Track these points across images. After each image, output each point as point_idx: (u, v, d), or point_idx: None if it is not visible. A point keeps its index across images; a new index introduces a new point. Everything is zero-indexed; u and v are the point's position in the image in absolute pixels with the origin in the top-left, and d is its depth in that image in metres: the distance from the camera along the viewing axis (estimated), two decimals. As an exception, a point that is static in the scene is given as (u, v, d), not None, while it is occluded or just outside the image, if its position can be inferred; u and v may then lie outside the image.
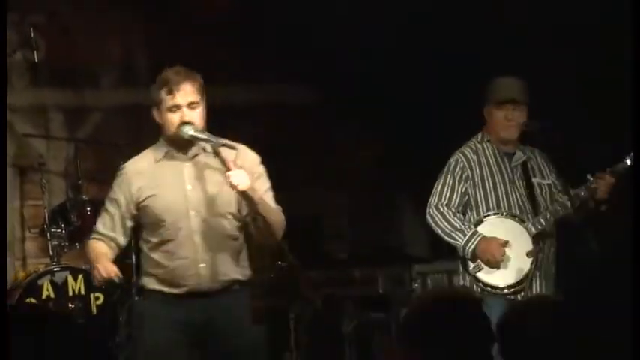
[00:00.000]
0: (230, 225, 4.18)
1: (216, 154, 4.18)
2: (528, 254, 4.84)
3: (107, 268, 4.07)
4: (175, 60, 6.93)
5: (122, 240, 4.27)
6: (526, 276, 4.81)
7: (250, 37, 7.08)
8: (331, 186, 7.26)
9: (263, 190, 4.20)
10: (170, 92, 4.11)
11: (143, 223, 4.24)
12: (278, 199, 4.30)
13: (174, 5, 7.02)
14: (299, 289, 5.57)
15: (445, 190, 4.94)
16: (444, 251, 5.51)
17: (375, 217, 7.37)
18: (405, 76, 6.74)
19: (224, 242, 4.17)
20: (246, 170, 4.09)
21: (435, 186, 4.98)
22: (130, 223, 4.25)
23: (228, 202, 4.16)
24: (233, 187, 4.03)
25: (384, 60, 6.84)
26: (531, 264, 4.83)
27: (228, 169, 4.07)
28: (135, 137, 6.26)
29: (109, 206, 4.27)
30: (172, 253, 4.14)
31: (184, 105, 4.11)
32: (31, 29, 5.30)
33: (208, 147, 4.18)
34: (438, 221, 4.90)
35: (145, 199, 4.17)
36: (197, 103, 4.14)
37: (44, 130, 6.77)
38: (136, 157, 4.33)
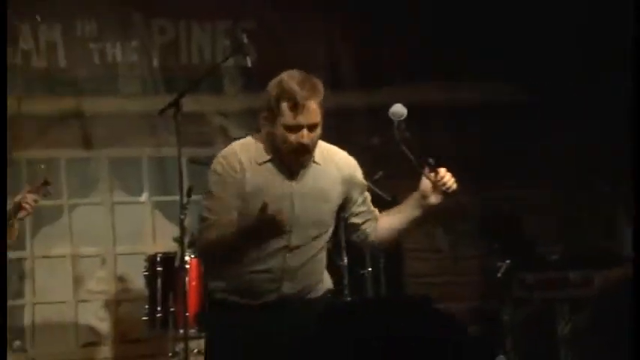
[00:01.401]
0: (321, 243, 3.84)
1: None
2: None
3: None
4: (378, 60, 7.12)
5: None
6: None
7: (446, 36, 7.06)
8: (545, 186, 7.11)
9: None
10: (294, 108, 3.61)
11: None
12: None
13: (376, 7, 7.05)
14: (511, 291, 5.47)
15: None
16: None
17: (590, 216, 7.17)
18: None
19: (317, 259, 3.82)
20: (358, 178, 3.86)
21: None
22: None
23: (329, 219, 3.83)
24: (447, 189, 3.74)
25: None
26: None
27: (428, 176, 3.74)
28: (340, 138, 6.33)
29: (220, 190, 3.74)
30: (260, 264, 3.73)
31: (306, 126, 3.62)
32: (244, 35, 5.41)
33: (317, 157, 3.76)
34: None
35: (247, 199, 3.70)
36: (318, 125, 3.64)
37: (255, 134, 6.90)
38: (239, 144, 3.82)
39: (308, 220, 3.73)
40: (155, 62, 7.02)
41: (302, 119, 3.60)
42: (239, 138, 6.70)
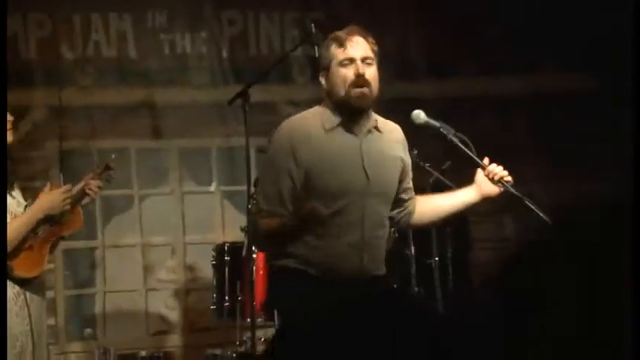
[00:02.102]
0: (386, 213, 3.82)
1: (453, 145, 3.79)
2: None
3: None
4: (449, 51, 7.08)
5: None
6: None
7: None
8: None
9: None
10: (342, 45, 3.64)
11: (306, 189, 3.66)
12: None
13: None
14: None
15: None
16: None
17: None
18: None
19: (382, 232, 3.79)
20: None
21: None
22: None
23: (394, 187, 3.80)
24: (500, 180, 3.78)
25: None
26: None
27: (483, 166, 3.80)
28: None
29: (273, 177, 3.67)
30: (336, 237, 3.63)
31: (359, 58, 3.62)
32: (312, 25, 5.41)
33: (379, 125, 3.76)
34: None
35: (314, 172, 3.62)
36: (372, 59, 3.65)
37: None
38: (299, 117, 3.78)
39: (378, 188, 3.71)
40: (224, 53, 7.06)
41: (352, 52, 3.62)
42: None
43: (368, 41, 3.68)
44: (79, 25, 6.85)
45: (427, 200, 4.01)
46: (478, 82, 7.24)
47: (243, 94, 5.30)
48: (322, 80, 3.72)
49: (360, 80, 3.63)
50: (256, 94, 5.45)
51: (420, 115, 3.88)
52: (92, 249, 6.82)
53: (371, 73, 3.66)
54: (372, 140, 3.73)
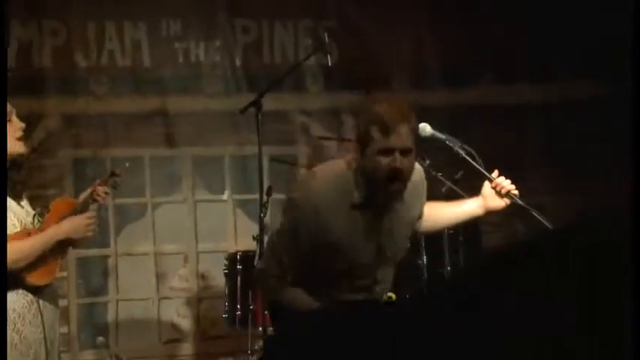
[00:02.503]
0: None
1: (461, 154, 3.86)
2: None
3: None
4: (462, 58, 7.06)
5: None
6: None
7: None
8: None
9: None
10: (385, 132, 3.47)
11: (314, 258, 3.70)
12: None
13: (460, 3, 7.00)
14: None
15: None
16: None
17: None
18: None
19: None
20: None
21: None
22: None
23: (407, 243, 3.85)
24: (507, 193, 3.84)
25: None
26: None
27: (490, 179, 3.85)
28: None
29: (293, 238, 3.66)
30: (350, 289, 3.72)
31: (398, 149, 3.49)
32: (325, 34, 5.41)
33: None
34: None
35: (331, 243, 3.61)
36: (411, 151, 3.52)
37: (337, 133, 6.89)
38: (322, 183, 3.64)
39: (395, 254, 3.79)
40: (238, 61, 7.06)
41: (394, 142, 3.47)
42: (322, 137, 6.78)
43: (410, 126, 3.51)
44: (94, 34, 6.86)
45: (431, 207, 4.01)
46: (492, 90, 7.22)
47: (256, 103, 5.30)
48: (353, 149, 3.60)
49: (394, 173, 3.50)
50: (269, 102, 5.46)
51: (425, 128, 3.88)
52: (105, 257, 6.83)
53: (408, 164, 3.53)
54: (394, 212, 3.69)
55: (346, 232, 3.60)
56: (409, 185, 3.66)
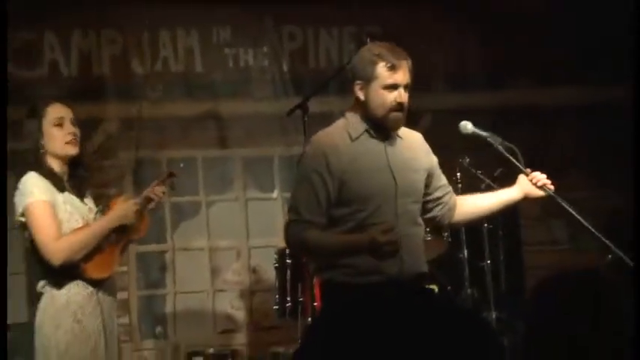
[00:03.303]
0: (418, 212, 3.81)
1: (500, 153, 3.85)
2: None
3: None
4: (501, 62, 7.01)
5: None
6: None
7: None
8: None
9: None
10: (391, 69, 3.62)
11: (338, 206, 3.68)
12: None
13: (506, 8, 6.94)
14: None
15: None
16: None
17: None
18: None
19: (418, 229, 3.79)
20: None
21: None
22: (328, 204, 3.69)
23: (421, 188, 3.81)
24: (542, 186, 3.81)
25: None
26: None
27: (526, 173, 3.84)
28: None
29: (309, 186, 3.67)
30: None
31: (402, 85, 3.66)
32: (367, 39, 5.38)
33: (400, 132, 3.76)
34: None
35: (346, 179, 3.65)
36: (409, 87, 3.69)
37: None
38: (326, 132, 3.78)
39: (406, 188, 3.71)
40: (285, 66, 7.06)
41: (398, 78, 3.63)
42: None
43: (409, 65, 3.70)
44: (149, 42, 6.89)
45: (468, 198, 4.02)
46: (531, 92, 7.16)
47: (302, 106, 5.29)
48: (359, 92, 3.72)
49: (399, 107, 3.66)
50: (314, 105, 5.45)
51: (467, 125, 3.91)
52: (163, 252, 6.85)
53: (407, 98, 3.69)
54: (395, 145, 3.75)
55: (353, 162, 3.64)
56: (410, 136, 3.83)
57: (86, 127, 4.27)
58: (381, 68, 3.64)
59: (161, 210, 6.65)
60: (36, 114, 4.13)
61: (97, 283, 4.11)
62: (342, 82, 6.87)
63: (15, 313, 6.24)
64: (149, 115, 6.81)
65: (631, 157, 4.59)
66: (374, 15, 7.03)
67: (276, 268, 5.97)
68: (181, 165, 4.75)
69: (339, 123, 3.78)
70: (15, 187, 4.09)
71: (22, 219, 4.05)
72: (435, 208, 3.93)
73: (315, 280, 5.52)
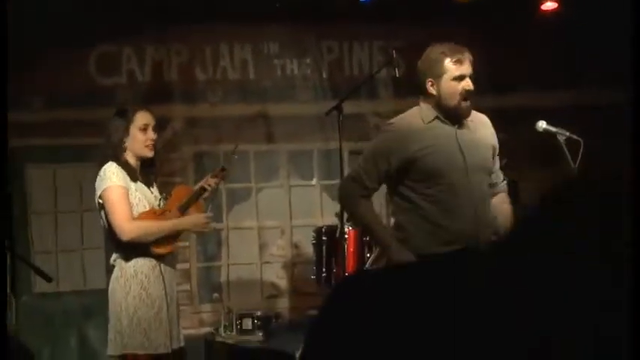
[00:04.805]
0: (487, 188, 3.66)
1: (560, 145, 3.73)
2: None
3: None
4: (513, 72, 6.89)
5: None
6: None
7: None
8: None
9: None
10: (458, 62, 3.54)
11: (411, 181, 3.56)
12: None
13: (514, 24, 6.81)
14: None
15: None
16: None
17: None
18: None
19: (488, 205, 3.64)
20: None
21: None
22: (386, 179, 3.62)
23: (490, 161, 3.68)
24: None
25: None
26: None
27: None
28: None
29: (376, 159, 3.59)
30: (451, 212, 3.48)
31: (468, 75, 3.57)
32: (393, 51, 5.32)
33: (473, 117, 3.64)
34: None
35: (421, 156, 3.53)
36: (472, 76, 3.60)
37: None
38: (401, 116, 3.70)
39: (476, 165, 3.57)
40: (324, 74, 7.01)
41: (464, 69, 3.55)
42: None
43: (470, 58, 3.62)
44: (210, 54, 6.87)
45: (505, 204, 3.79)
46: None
47: (338, 107, 5.24)
48: (430, 88, 3.61)
49: (468, 94, 3.56)
50: (349, 107, 5.40)
51: (542, 124, 3.92)
52: (219, 230, 6.84)
53: (472, 86, 3.60)
54: (465, 129, 3.63)
55: (424, 143, 3.54)
56: (477, 118, 3.69)
57: (157, 125, 4.24)
58: (448, 63, 3.56)
59: (219, 196, 6.64)
60: (125, 116, 4.11)
61: (159, 257, 4.09)
62: (372, 87, 6.89)
63: (95, 281, 6.28)
64: (209, 115, 6.80)
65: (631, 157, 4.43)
66: (399, 32, 6.95)
67: (313, 244, 5.95)
68: (235, 157, 4.71)
69: (414, 110, 3.69)
70: (96, 175, 4.08)
71: (101, 200, 4.05)
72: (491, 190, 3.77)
73: (348, 253, 5.49)
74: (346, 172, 5.42)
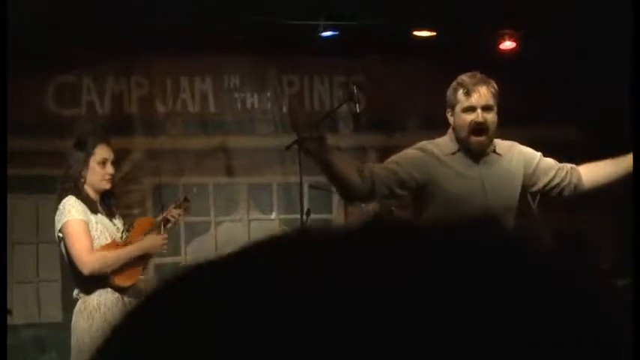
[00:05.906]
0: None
1: None
2: None
3: None
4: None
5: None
6: None
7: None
8: None
9: None
10: (467, 94, 3.45)
11: (425, 206, 3.49)
12: None
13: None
14: None
15: None
16: None
17: None
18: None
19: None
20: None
21: None
22: (400, 191, 3.53)
23: (515, 198, 3.55)
24: None
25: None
26: None
27: None
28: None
29: (399, 164, 3.52)
30: None
31: (479, 107, 3.46)
32: (354, 87, 5.39)
33: (497, 148, 3.52)
34: None
35: (434, 184, 3.47)
36: (492, 107, 3.47)
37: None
38: (426, 142, 3.61)
39: (499, 204, 3.46)
40: (284, 108, 7.06)
41: (474, 101, 3.44)
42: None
43: (489, 89, 3.49)
44: (171, 86, 6.90)
45: (592, 167, 3.66)
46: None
47: (299, 142, 5.26)
48: (450, 118, 3.55)
49: (478, 126, 3.46)
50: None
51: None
52: (177, 264, 6.81)
53: (490, 118, 3.47)
54: (491, 163, 3.54)
55: (441, 174, 3.48)
56: (507, 149, 3.57)
57: (116, 156, 4.25)
58: (460, 94, 3.47)
59: (176, 227, 6.61)
60: (84, 149, 4.12)
61: (123, 290, 4.10)
62: (332, 122, 6.95)
63: (51, 315, 6.21)
64: (169, 147, 6.80)
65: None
66: (359, 67, 7.05)
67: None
68: (194, 190, 4.73)
69: (441, 139, 3.61)
70: (56, 208, 4.09)
71: (60, 234, 4.04)
72: (562, 191, 3.64)
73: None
74: (306, 206, 5.46)
